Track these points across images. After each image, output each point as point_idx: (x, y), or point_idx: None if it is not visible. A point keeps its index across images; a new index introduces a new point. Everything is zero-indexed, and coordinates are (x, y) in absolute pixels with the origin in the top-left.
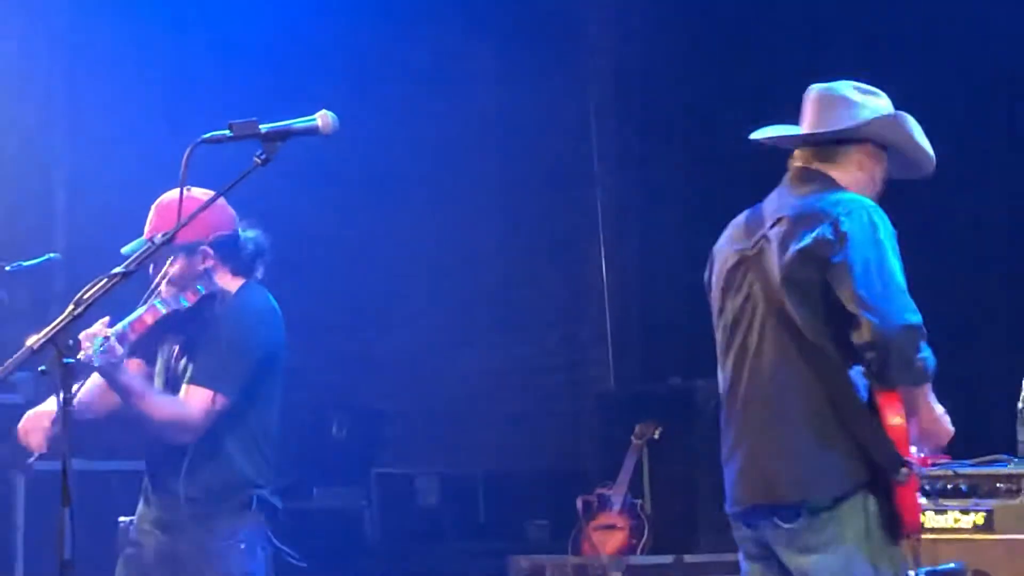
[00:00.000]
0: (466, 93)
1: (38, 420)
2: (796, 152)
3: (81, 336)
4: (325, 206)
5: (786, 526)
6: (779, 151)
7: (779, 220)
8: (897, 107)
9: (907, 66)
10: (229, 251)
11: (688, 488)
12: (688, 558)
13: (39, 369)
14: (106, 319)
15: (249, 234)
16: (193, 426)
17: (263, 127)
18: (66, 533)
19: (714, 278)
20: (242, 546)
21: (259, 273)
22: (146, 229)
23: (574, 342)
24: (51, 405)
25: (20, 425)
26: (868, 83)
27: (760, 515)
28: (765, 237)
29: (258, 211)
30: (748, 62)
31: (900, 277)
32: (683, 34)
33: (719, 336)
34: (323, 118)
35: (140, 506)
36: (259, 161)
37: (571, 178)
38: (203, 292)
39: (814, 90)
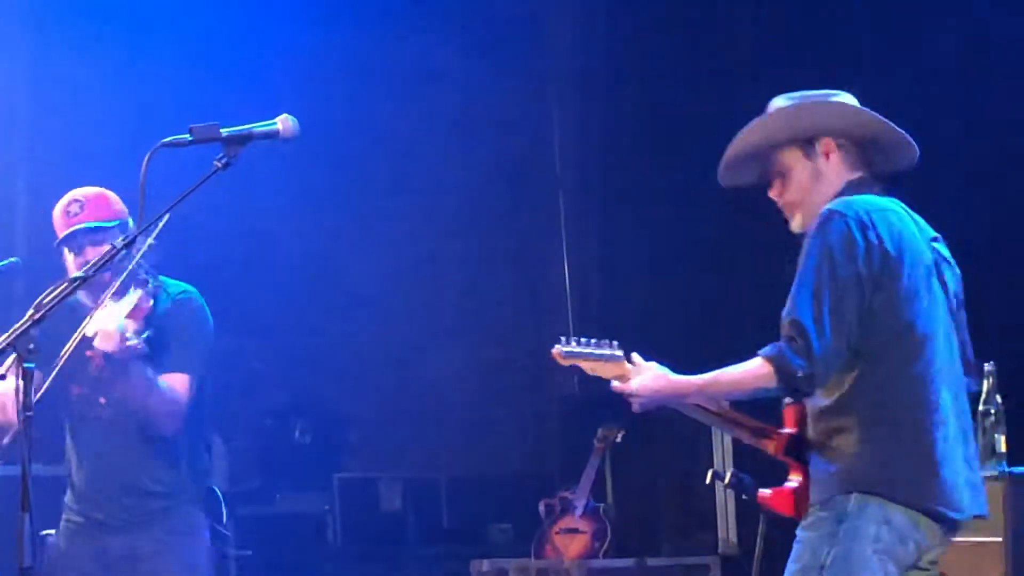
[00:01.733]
0: (429, 95)
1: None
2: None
3: (102, 331)
4: (287, 209)
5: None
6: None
7: (936, 239)
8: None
9: (873, 66)
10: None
11: (650, 492)
12: (650, 561)
13: None
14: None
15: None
16: (183, 411)
17: (224, 131)
18: (25, 538)
19: (908, 257)
20: (201, 538)
21: None
22: (62, 224)
23: (537, 345)
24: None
25: None
26: (834, 87)
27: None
28: (935, 250)
29: (221, 214)
30: (712, 63)
31: None
32: (646, 35)
33: (919, 318)
34: (284, 122)
35: (73, 514)
36: (219, 165)
37: (534, 180)
38: (155, 284)
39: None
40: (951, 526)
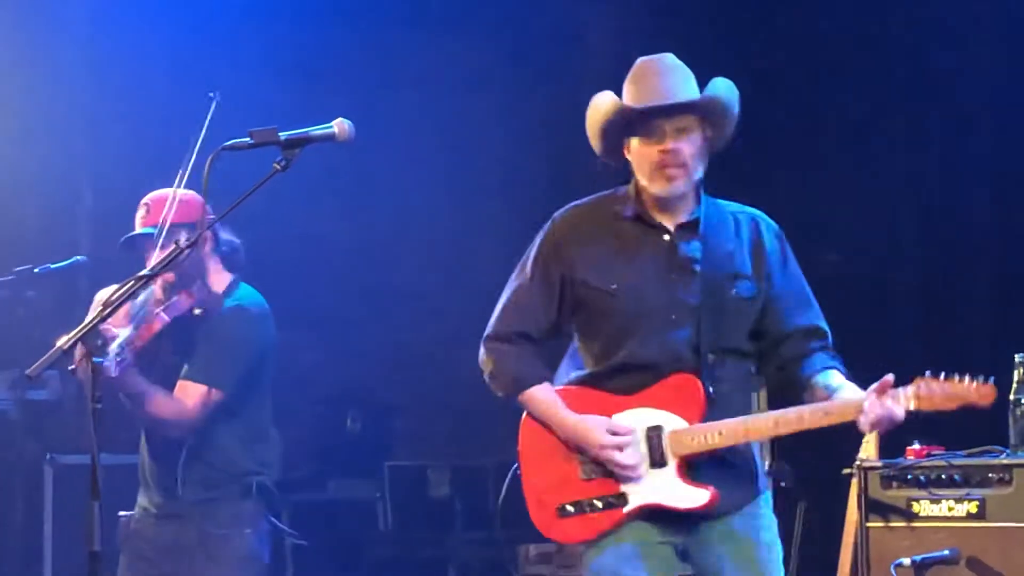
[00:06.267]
0: (473, 97)
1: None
2: None
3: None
4: (339, 205)
5: None
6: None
7: None
8: None
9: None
10: (220, 246)
11: None
12: None
13: (68, 368)
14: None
15: (224, 234)
16: (189, 421)
17: (282, 135)
18: (95, 525)
19: None
20: (247, 531)
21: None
22: (141, 222)
23: None
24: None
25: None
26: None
27: None
28: None
29: (273, 209)
30: (749, 63)
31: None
32: (687, 40)
33: None
34: (340, 125)
35: (141, 499)
36: (278, 167)
37: (574, 179)
38: (197, 295)
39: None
40: None
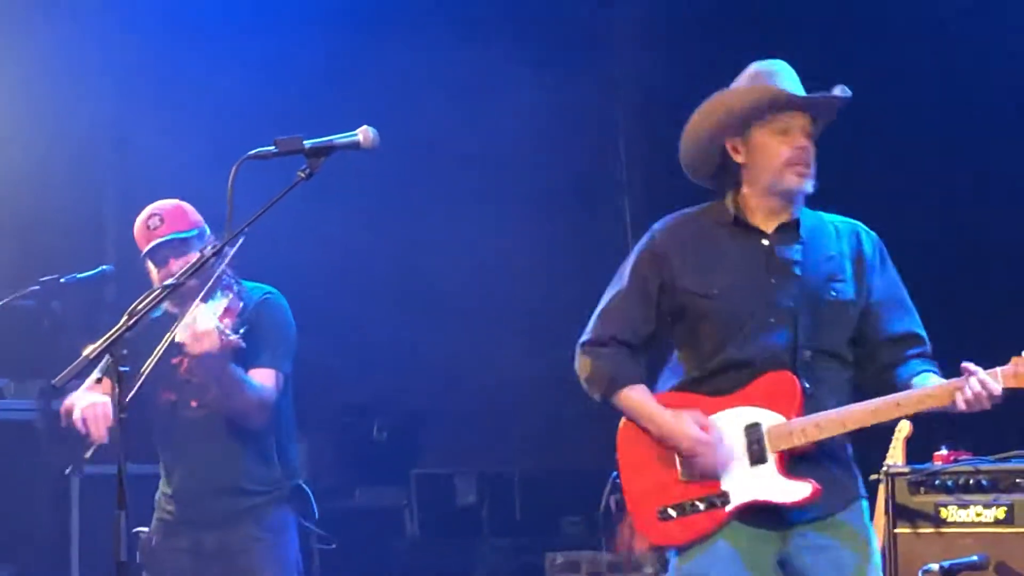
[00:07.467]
0: (499, 103)
1: (102, 409)
2: None
3: (199, 330)
4: (366, 214)
5: None
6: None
7: None
8: None
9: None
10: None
11: None
12: None
13: (95, 378)
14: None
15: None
16: (270, 405)
17: (307, 143)
18: (122, 535)
19: None
20: (289, 535)
21: None
22: (151, 233)
23: None
24: (96, 396)
25: (81, 412)
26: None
27: None
28: None
29: (301, 218)
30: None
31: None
32: (710, 42)
33: None
34: (364, 133)
35: (166, 512)
36: (303, 176)
37: (600, 187)
38: (240, 288)
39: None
40: None
